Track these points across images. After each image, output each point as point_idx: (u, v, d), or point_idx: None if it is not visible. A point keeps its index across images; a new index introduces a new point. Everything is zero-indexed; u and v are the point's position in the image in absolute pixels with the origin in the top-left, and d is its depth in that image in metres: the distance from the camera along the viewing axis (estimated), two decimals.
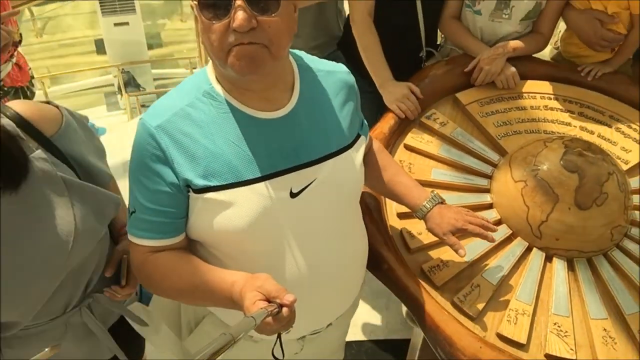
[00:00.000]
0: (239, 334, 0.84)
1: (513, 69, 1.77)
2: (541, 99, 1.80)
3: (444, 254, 1.43)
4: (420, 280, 1.38)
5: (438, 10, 1.88)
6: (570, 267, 1.44)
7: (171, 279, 1.08)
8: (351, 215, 1.23)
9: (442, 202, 1.33)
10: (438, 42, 2.04)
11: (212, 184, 1.03)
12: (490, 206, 1.54)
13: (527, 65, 1.83)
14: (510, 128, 1.71)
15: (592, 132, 1.71)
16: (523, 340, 1.30)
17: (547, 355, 1.29)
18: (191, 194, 1.06)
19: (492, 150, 1.66)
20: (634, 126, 1.73)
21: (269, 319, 0.89)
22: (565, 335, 1.32)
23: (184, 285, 1.07)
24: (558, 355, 1.28)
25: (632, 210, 1.48)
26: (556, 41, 2.00)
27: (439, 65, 1.85)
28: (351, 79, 1.22)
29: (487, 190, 1.57)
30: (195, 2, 0.96)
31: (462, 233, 1.28)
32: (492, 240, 1.30)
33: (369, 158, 1.24)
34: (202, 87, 1.07)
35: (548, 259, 1.45)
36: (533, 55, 1.89)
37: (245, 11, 0.92)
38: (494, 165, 1.62)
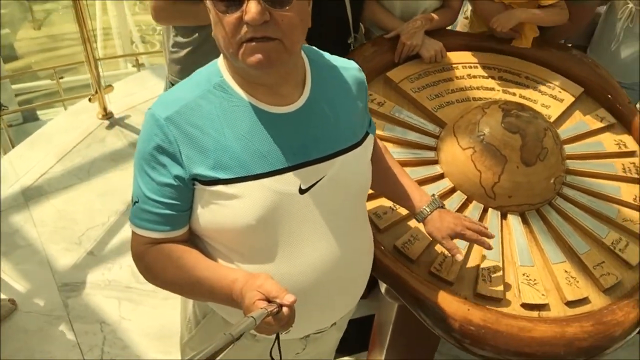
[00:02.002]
0: (239, 334, 0.84)
1: (440, 43, 1.85)
2: (463, 68, 1.90)
3: (413, 228, 1.48)
4: (396, 257, 1.42)
5: None
6: (524, 221, 1.55)
7: (171, 272, 1.06)
8: (358, 213, 1.22)
9: (442, 206, 1.35)
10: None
11: (221, 177, 1.01)
12: (441, 176, 1.61)
13: (445, 38, 1.92)
14: (443, 99, 1.79)
15: (513, 94, 1.84)
16: (501, 296, 1.39)
17: (524, 304, 1.39)
18: (198, 186, 1.04)
19: (431, 122, 1.73)
20: (547, 84, 1.88)
21: (269, 318, 0.90)
22: (535, 283, 1.42)
23: (184, 279, 1.05)
24: (533, 302, 1.39)
25: (565, 160, 1.62)
26: (465, 10, 2.12)
27: (365, 47, 1.88)
28: (362, 75, 1.21)
29: (436, 162, 1.64)
30: None
31: (460, 238, 1.32)
32: (489, 248, 1.34)
33: (373, 157, 1.25)
34: (214, 79, 1.05)
35: (503, 216, 1.55)
36: (447, 29, 1.99)
37: (259, 3, 0.89)
38: (436, 137, 1.69)
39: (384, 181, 1.37)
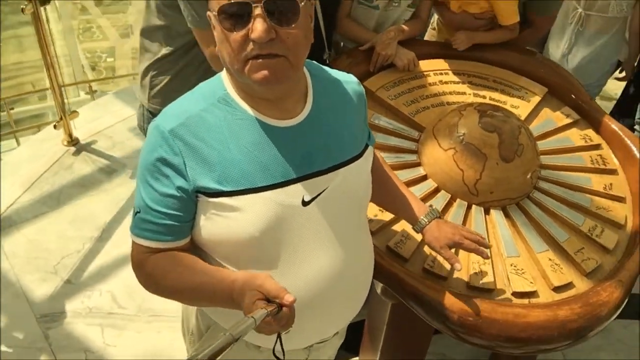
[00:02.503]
0: (239, 334, 0.85)
1: (412, 53, 1.93)
2: (435, 75, 1.98)
3: (403, 229, 1.53)
4: (390, 257, 1.47)
5: (333, 14, 1.99)
6: (506, 215, 1.62)
7: (171, 278, 1.06)
8: (360, 224, 1.25)
9: (440, 216, 1.39)
10: None
11: (225, 189, 1.03)
12: (425, 177, 1.67)
13: (416, 48, 2.00)
14: (419, 105, 1.87)
15: (484, 97, 1.93)
16: (492, 286, 1.45)
17: (515, 293, 1.45)
18: (202, 198, 1.05)
19: (410, 127, 1.80)
20: (514, 85, 1.99)
21: (269, 318, 0.90)
22: (523, 272, 1.49)
23: (184, 284, 1.06)
24: (523, 290, 1.45)
25: (539, 155, 1.71)
26: (432, 22, 2.23)
27: (341, 59, 1.95)
28: (361, 89, 1.24)
29: (418, 164, 1.70)
30: (215, 13, 0.96)
31: (458, 247, 1.35)
32: (487, 257, 1.38)
33: (373, 169, 1.28)
34: (217, 93, 1.07)
35: (486, 211, 1.62)
36: (417, 39, 2.08)
37: (265, 21, 0.92)
38: (416, 141, 1.75)
39: (383, 192, 1.39)
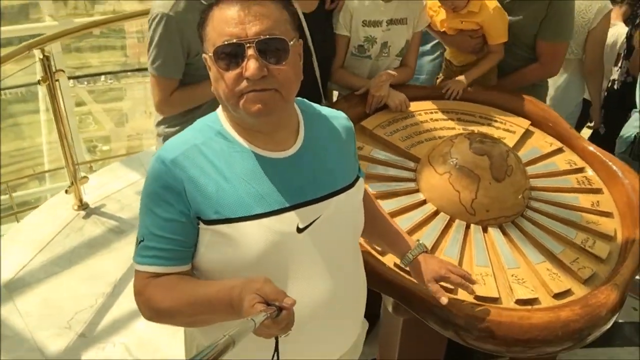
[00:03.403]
0: (239, 336, 0.85)
1: (403, 95, 2.12)
2: (425, 114, 2.16)
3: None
4: (399, 273, 1.56)
5: (328, 67, 2.20)
6: (503, 232, 1.73)
7: (172, 297, 1.08)
8: (352, 253, 1.29)
9: (427, 251, 1.42)
10: None
11: (222, 217, 1.08)
12: (424, 202, 1.79)
13: (407, 91, 2.19)
14: (413, 140, 2.02)
15: (472, 131, 2.08)
16: (497, 295, 1.53)
17: (518, 300, 1.53)
18: (201, 225, 1.10)
19: (407, 159, 1.94)
20: (499, 120, 2.16)
21: (268, 321, 0.91)
22: (524, 282, 1.58)
23: (184, 301, 1.07)
24: (525, 297, 1.54)
25: (529, 178, 1.85)
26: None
27: (338, 103, 2.14)
28: (350, 124, 1.32)
29: (417, 191, 1.82)
30: (210, 54, 1.06)
31: (445, 281, 1.37)
32: (472, 293, 1.40)
33: (364, 205, 1.32)
34: (214, 127, 1.15)
35: (484, 229, 1.73)
36: (408, 84, 2.28)
37: (257, 60, 1.02)
38: (414, 170, 1.89)
39: (373, 227, 1.42)
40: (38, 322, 2.48)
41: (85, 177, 3.29)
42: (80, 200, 3.22)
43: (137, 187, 3.42)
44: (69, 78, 8.45)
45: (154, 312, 1.12)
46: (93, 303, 2.60)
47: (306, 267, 1.16)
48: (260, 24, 1.03)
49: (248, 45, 1.02)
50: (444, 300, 1.34)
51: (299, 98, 1.24)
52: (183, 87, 1.91)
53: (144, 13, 3.02)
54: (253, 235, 1.09)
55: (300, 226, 1.13)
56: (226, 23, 1.03)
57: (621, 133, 2.69)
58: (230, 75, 1.04)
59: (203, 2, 1.78)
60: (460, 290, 1.53)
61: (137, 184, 3.45)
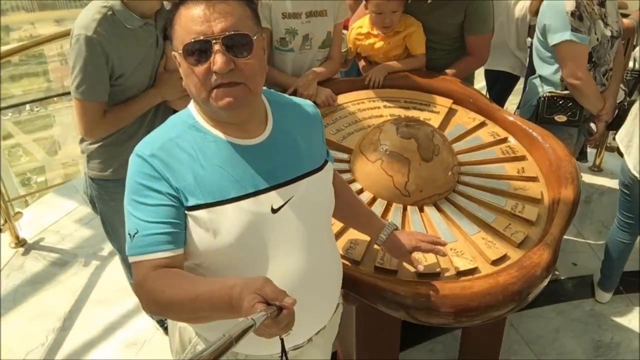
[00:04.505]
0: (239, 336, 0.86)
1: (329, 90, 2.16)
2: (352, 105, 2.21)
3: (351, 237, 1.67)
4: (344, 262, 1.59)
5: None
6: (438, 209, 1.80)
7: (172, 290, 1.09)
8: (325, 232, 1.36)
9: (397, 228, 1.54)
10: None
11: (202, 202, 1.15)
12: (361, 191, 1.84)
13: (333, 86, 2.23)
14: (344, 132, 2.07)
15: (399, 115, 2.15)
16: (438, 270, 1.59)
17: (459, 272, 1.60)
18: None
19: (341, 152, 1.98)
20: (423, 102, 2.24)
21: (268, 321, 0.92)
22: (462, 254, 1.65)
23: (185, 296, 1.08)
24: (465, 268, 1.60)
25: (456, 155, 1.92)
26: None
27: None
28: (316, 110, 1.40)
29: (353, 181, 1.87)
30: (180, 51, 1.11)
31: (417, 250, 1.51)
32: (444, 254, 1.56)
33: (336, 188, 1.39)
34: (188, 121, 1.21)
35: (420, 209, 1.79)
36: (333, 78, 2.32)
37: (224, 55, 1.08)
38: (347, 162, 1.93)
39: (346, 210, 1.53)
40: None
41: (19, 212, 3.17)
42: (17, 237, 3.11)
43: (75, 216, 3.33)
44: None
45: (155, 304, 1.13)
46: (44, 341, 2.52)
47: (281, 245, 1.23)
48: (225, 20, 1.10)
49: (215, 41, 1.09)
50: (420, 268, 1.52)
51: (266, 89, 1.31)
52: (112, 108, 1.88)
53: (65, 34, 2.91)
54: (231, 217, 1.16)
55: (275, 207, 1.21)
56: (193, 21, 1.10)
57: (523, 100, 2.66)
58: (200, 70, 1.10)
59: (127, 25, 1.77)
60: (401, 269, 1.59)
61: (74, 213, 3.36)
